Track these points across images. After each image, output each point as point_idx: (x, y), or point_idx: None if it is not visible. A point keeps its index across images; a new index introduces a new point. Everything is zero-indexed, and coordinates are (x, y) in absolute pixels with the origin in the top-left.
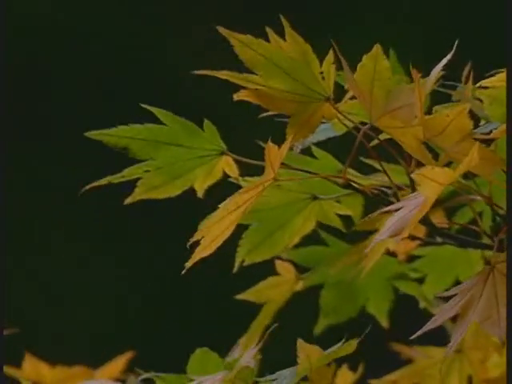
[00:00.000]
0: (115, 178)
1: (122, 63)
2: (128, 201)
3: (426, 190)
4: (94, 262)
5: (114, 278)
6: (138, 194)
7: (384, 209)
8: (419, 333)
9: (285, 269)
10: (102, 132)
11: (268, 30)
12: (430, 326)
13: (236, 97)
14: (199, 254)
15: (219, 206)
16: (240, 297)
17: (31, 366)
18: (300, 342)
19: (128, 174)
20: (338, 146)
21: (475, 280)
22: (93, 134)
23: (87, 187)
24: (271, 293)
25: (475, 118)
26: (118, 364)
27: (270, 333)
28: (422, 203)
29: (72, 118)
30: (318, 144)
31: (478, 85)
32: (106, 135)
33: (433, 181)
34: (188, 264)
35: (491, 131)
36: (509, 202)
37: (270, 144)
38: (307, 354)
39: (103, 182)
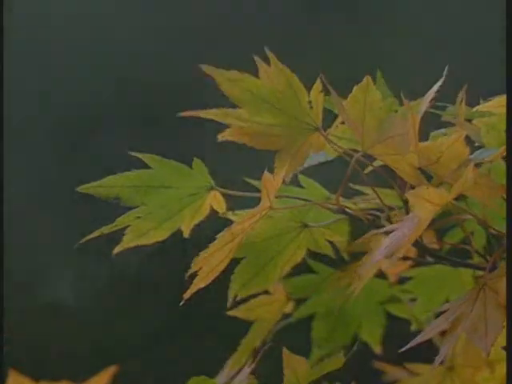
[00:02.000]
0: (108, 228)
1: (122, 63)
2: (117, 250)
3: (420, 211)
4: (93, 261)
5: (113, 278)
6: (126, 242)
7: (378, 231)
8: (408, 347)
9: (275, 288)
10: (92, 185)
11: (256, 58)
12: (419, 340)
13: (220, 137)
14: (197, 285)
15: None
16: (231, 313)
17: (15, 382)
18: (286, 353)
19: (120, 222)
20: (326, 171)
21: (466, 296)
22: (83, 189)
23: (83, 240)
24: (262, 311)
25: (470, 141)
26: (102, 379)
27: (264, 353)
28: (416, 224)
29: (72, 118)
30: (308, 168)
31: (474, 109)
32: (97, 187)
33: (427, 201)
34: (186, 295)
35: None
36: (509, 209)
37: (267, 174)
38: (293, 367)
39: (96, 234)
